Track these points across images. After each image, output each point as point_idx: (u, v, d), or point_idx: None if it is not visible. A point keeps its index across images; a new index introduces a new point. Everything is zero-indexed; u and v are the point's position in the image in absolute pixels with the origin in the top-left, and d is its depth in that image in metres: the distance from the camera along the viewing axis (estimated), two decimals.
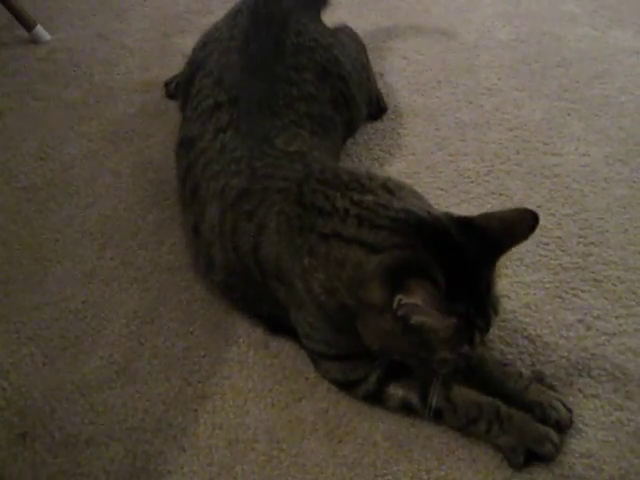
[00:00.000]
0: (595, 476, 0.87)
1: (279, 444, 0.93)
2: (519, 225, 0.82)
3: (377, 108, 1.41)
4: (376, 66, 1.47)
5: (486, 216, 0.84)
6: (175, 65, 1.60)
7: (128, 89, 1.58)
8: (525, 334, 1.03)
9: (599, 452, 0.89)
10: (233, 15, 1.29)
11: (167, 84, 1.56)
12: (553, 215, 1.20)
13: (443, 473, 0.89)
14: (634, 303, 1.06)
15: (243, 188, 0.98)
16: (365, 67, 1.38)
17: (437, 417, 0.91)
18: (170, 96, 1.54)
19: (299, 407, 0.97)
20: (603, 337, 1.02)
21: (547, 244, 1.15)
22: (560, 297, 1.07)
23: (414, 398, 0.91)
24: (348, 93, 1.26)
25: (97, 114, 1.53)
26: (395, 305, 0.76)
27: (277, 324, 1.04)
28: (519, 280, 1.10)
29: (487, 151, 1.33)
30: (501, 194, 1.24)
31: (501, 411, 0.88)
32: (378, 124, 1.41)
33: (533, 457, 0.87)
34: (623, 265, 1.11)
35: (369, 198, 0.87)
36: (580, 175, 1.27)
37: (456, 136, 1.37)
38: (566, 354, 1.00)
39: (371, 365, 0.94)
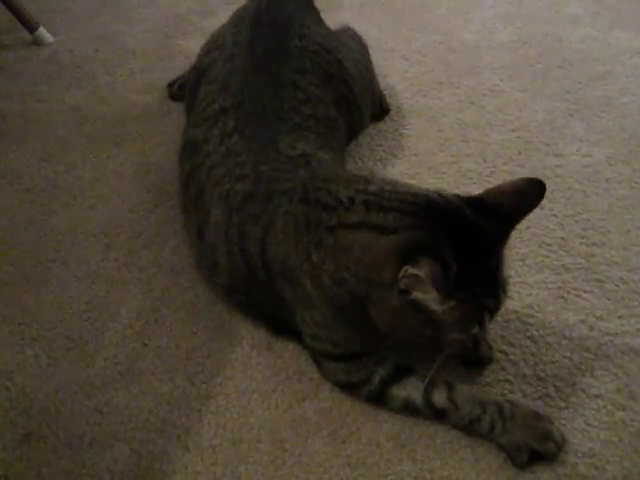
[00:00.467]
0: (598, 476, 0.87)
1: (283, 444, 0.94)
2: (527, 195, 0.83)
3: (380, 109, 1.41)
4: (378, 67, 1.47)
5: (494, 191, 0.85)
6: (177, 66, 1.60)
7: (131, 90, 1.59)
8: (528, 334, 1.03)
9: (602, 452, 0.89)
10: (236, 21, 1.29)
11: (170, 85, 1.56)
12: (555, 216, 1.20)
13: (446, 473, 0.89)
14: (637, 303, 1.06)
15: (248, 192, 0.99)
16: (368, 69, 1.38)
17: (440, 417, 0.91)
18: (173, 97, 1.54)
19: (303, 407, 0.97)
20: (606, 337, 1.02)
21: (550, 245, 1.15)
22: (563, 297, 1.07)
23: (417, 398, 0.92)
24: (351, 95, 1.27)
25: (100, 116, 1.53)
26: (401, 275, 0.76)
27: (280, 327, 1.04)
28: (522, 281, 1.10)
29: (489, 152, 1.33)
30: None
31: (504, 409, 0.88)
32: (381, 125, 1.41)
33: (536, 456, 0.88)
34: (625, 265, 1.11)
35: (373, 187, 0.87)
36: (582, 176, 1.27)
37: (458, 137, 1.37)
38: (569, 354, 1.00)
39: (374, 366, 0.94)
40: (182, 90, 1.46)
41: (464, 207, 0.83)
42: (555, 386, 0.96)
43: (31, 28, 1.75)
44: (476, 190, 1.24)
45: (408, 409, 0.93)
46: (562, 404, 0.95)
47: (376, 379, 0.93)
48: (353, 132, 1.32)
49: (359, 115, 1.30)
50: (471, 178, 1.28)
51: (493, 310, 0.83)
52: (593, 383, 0.97)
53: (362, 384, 0.94)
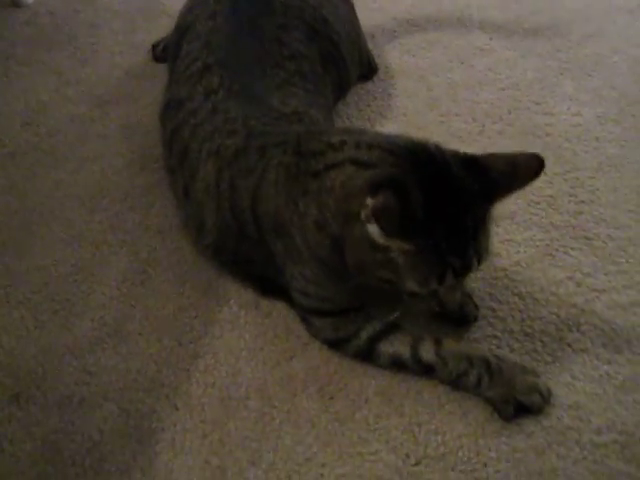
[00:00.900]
0: (583, 427, 0.88)
1: (271, 401, 0.94)
2: (524, 168, 0.82)
3: (368, 69, 1.39)
4: (366, 27, 1.45)
5: (492, 156, 0.83)
6: (161, 27, 1.57)
7: (114, 52, 1.55)
8: (516, 291, 1.03)
9: (587, 404, 0.90)
10: None
11: (154, 46, 1.53)
12: (544, 174, 1.16)
13: (434, 427, 0.90)
14: (623, 260, 1.06)
15: (240, 147, 0.98)
16: (354, 27, 1.35)
17: (428, 372, 0.92)
18: (157, 59, 1.51)
19: (290, 365, 0.97)
20: (592, 293, 1.02)
21: (538, 203, 1.15)
22: (551, 255, 1.08)
23: (405, 354, 0.92)
24: (337, 53, 1.25)
25: (82, 78, 1.50)
26: (363, 205, 0.76)
27: (267, 286, 1.04)
28: (510, 238, 1.10)
29: (479, 111, 1.32)
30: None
31: (491, 364, 0.89)
32: (369, 85, 1.39)
33: (522, 409, 0.89)
34: (613, 223, 1.11)
35: (366, 136, 0.88)
36: (572, 134, 1.26)
37: (447, 96, 1.36)
38: (556, 310, 1.01)
39: (362, 322, 0.94)
40: (166, 51, 1.43)
41: (454, 161, 0.81)
42: (542, 341, 0.97)
43: None
44: (466, 149, 1.23)
45: (396, 365, 0.93)
46: (549, 359, 0.95)
47: (364, 335, 0.93)
48: (340, 91, 1.30)
49: (346, 73, 1.28)
50: (460, 137, 1.27)
51: (458, 271, 0.80)
52: (579, 338, 0.97)
53: (350, 340, 0.94)
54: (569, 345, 0.96)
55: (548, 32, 1.49)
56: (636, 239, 1.09)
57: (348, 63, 1.28)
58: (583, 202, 1.15)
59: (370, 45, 1.45)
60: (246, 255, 1.02)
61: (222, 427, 0.92)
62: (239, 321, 1.03)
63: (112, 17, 1.65)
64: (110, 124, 1.38)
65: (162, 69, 1.45)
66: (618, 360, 0.94)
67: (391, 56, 1.46)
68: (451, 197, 0.79)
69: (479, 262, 0.82)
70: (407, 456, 0.88)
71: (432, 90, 1.37)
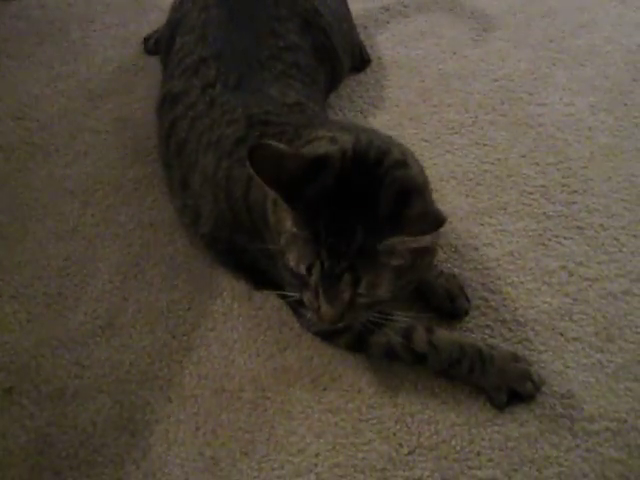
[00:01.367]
0: (575, 415, 0.89)
1: (264, 392, 0.94)
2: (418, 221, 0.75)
3: (360, 60, 1.39)
4: (358, 18, 1.44)
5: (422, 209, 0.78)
6: (153, 20, 1.56)
7: (106, 45, 1.54)
8: (509, 281, 1.03)
9: (579, 393, 0.91)
10: None
11: (146, 40, 1.52)
12: (537, 164, 1.19)
13: (427, 416, 0.90)
14: (616, 249, 1.06)
15: (240, 136, 0.98)
16: (346, 18, 1.35)
17: (421, 361, 0.92)
18: (149, 52, 1.50)
19: (284, 356, 0.98)
20: (585, 282, 1.02)
21: (531, 193, 1.15)
22: (543, 244, 1.08)
23: (397, 344, 0.92)
24: (329, 44, 1.24)
25: (74, 72, 1.49)
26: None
27: (260, 279, 1.03)
28: (503, 228, 1.10)
29: (471, 102, 1.31)
30: (485, 144, 1.23)
31: (483, 352, 0.89)
32: (361, 76, 1.39)
33: (515, 397, 0.89)
34: (606, 212, 1.11)
35: (364, 134, 0.87)
36: (564, 124, 1.26)
37: (440, 87, 1.35)
38: (549, 299, 1.01)
39: None
40: (158, 45, 1.43)
41: (388, 182, 0.78)
42: (534, 330, 0.97)
43: None
44: (458, 140, 1.25)
45: (388, 355, 0.93)
46: (541, 347, 0.96)
47: (356, 327, 0.93)
48: (333, 82, 1.30)
49: (338, 64, 1.27)
50: (453, 128, 1.27)
51: (327, 272, 0.77)
52: (572, 327, 0.98)
53: (342, 332, 0.94)
54: (561, 334, 0.97)
55: (540, 22, 1.48)
56: (629, 228, 1.09)
57: (340, 54, 1.27)
58: (576, 192, 1.15)
59: (362, 36, 1.44)
60: (240, 246, 1.01)
61: (215, 418, 0.92)
62: (232, 313, 1.03)
63: (104, 10, 1.64)
64: (102, 118, 1.37)
65: (154, 62, 1.44)
66: (610, 348, 0.95)
67: (383, 47, 1.45)
68: (348, 204, 0.77)
69: (352, 283, 0.77)
70: (400, 446, 0.88)
71: (424, 81, 1.37)
